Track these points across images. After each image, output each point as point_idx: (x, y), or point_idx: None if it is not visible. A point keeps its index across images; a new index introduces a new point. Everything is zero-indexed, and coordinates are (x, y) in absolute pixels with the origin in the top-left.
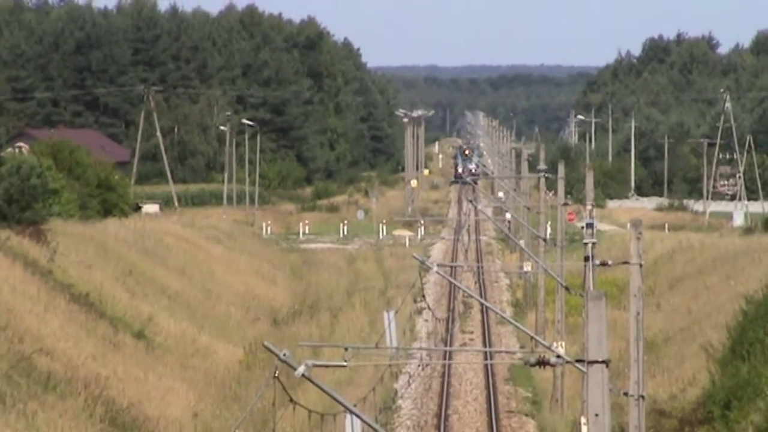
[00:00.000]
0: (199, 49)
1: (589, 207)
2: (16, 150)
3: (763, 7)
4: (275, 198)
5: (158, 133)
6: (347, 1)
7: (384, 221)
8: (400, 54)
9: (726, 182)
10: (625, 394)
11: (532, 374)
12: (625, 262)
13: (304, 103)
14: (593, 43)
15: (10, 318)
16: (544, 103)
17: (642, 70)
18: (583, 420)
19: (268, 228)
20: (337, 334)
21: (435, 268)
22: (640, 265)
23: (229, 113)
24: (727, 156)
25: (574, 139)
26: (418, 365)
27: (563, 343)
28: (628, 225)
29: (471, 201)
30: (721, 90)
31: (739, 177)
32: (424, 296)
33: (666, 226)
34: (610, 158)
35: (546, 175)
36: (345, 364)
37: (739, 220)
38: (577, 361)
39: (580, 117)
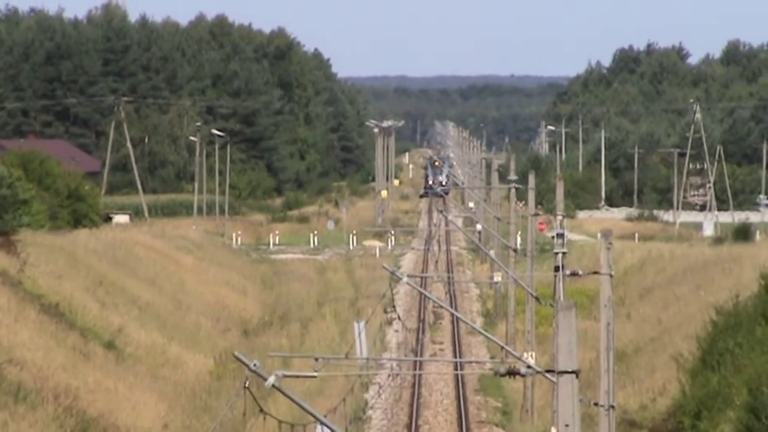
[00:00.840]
0: (169, 60)
1: (559, 217)
2: None
3: (733, 17)
4: (245, 208)
5: (128, 144)
6: (317, 11)
7: (354, 232)
8: (369, 64)
9: (696, 192)
10: (596, 404)
11: (503, 384)
12: (596, 272)
13: (274, 113)
14: (563, 53)
15: None
16: (514, 114)
17: (612, 80)
18: (553, 430)
19: (239, 238)
20: (308, 344)
21: (405, 279)
22: (611, 276)
23: (199, 124)
24: (698, 166)
25: (544, 149)
26: (389, 375)
27: (533, 354)
28: (599, 235)
29: (441, 211)
30: (691, 100)
31: (709, 187)
32: (394, 307)
33: (636, 236)
34: (580, 168)
35: (516, 185)
36: (315, 374)
37: (709, 230)
38: (548, 371)
39: (551, 127)
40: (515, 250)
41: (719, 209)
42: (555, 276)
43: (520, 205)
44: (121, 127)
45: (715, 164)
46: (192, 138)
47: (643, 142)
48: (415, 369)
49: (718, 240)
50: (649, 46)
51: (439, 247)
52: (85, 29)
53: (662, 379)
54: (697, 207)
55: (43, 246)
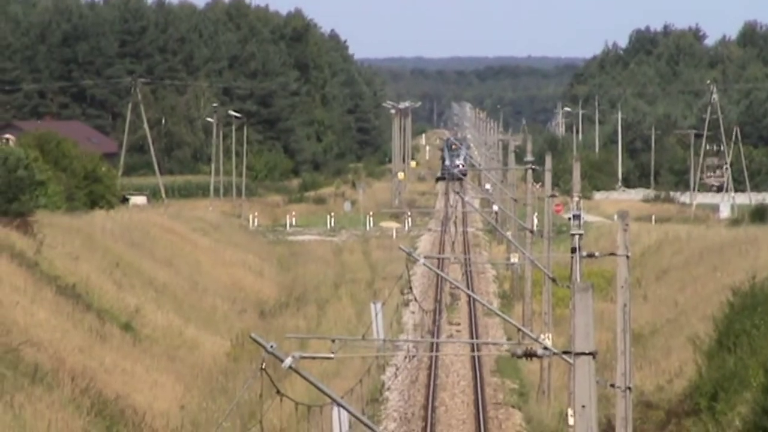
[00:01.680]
0: (186, 41)
1: (576, 198)
2: (3, 142)
3: None
4: (262, 190)
5: (145, 125)
6: None
7: (371, 213)
8: (386, 46)
9: (713, 174)
10: (612, 385)
11: (519, 366)
12: (612, 254)
13: (290, 94)
14: (580, 34)
15: None
16: (531, 95)
17: (629, 61)
18: (570, 411)
19: (255, 220)
20: (324, 326)
21: (422, 260)
22: (627, 257)
23: (215, 105)
24: (714, 147)
25: (561, 130)
26: (405, 357)
27: (550, 335)
28: (615, 216)
29: (458, 193)
30: (708, 81)
31: (726, 168)
32: (411, 288)
33: (653, 217)
34: (597, 150)
35: (533, 166)
36: (332, 355)
37: (725, 212)
38: (564, 352)
39: (567, 109)
40: (532, 232)
41: (736, 190)
42: (572, 257)
43: (537, 186)
44: (138, 108)
45: (732, 145)
46: (209, 119)
47: (660, 123)
48: (432, 350)
49: (734, 221)
50: (665, 27)
51: (456, 228)
52: (102, 10)
53: (679, 360)
54: (714, 188)
55: (60, 227)
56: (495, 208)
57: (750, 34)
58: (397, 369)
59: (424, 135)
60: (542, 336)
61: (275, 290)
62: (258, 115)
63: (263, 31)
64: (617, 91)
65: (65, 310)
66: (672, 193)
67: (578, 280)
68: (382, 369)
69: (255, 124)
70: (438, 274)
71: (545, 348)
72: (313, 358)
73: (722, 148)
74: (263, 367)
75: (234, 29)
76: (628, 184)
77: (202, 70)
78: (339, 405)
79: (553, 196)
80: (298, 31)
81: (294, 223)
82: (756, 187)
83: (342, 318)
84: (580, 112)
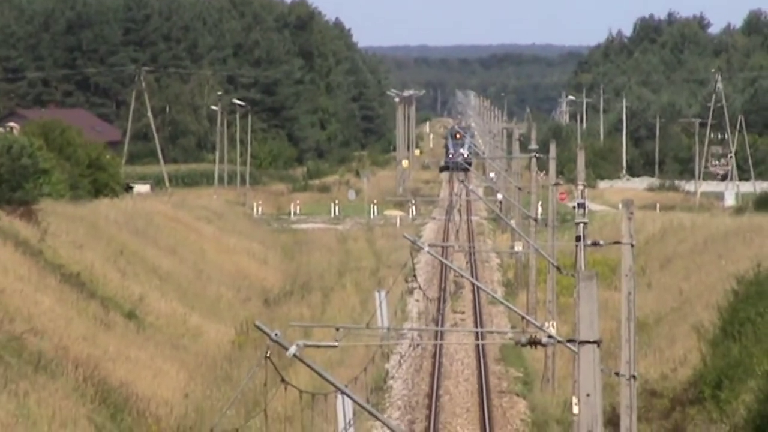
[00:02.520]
0: (190, 29)
1: (580, 187)
2: (7, 130)
3: None
4: (266, 178)
5: (149, 113)
6: None
7: (375, 201)
8: (390, 34)
9: (717, 162)
10: (617, 374)
11: (524, 354)
12: (617, 242)
13: (295, 83)
14: (584, 22)
15: (1, 298)
16: (535, 83)
17: (633, 50)
18: (574, 400)
19: (259, 208)
20: (329, 314)
21: (426, 248)
22: (632, 245)
23: (220, 93)
24: (719, 136)
25: (565, 119)
26: (410, 345)
27: (554, 323)
28: (620, 205)
29: (462, 181)
30: (713, 70)
31: (731, 157)
32: (415, 276)
33: (657, 206)
34: (601, 138)
35: (537, 155)
36: (336, 344)
37: (730, 200)
38: (569, 341)
39: (571, 97)
40: (536, 220)
41: (740, 179)
42: (576, 246)
43: (541, 174)
44: (142, 96)
45: (737, 134)
46: (213, 107)
47: (665, 111)
48: (436, 339)
49: (739, 210)
50: (670, 15)
51: (460, 216)
52: None
53: (683, 348)
54: (719, 177)
55: (64, 215)
56: (499, 196)
57: (755, 23)
58: (402, 357)
59: (428, 123)
60: (546, 324)
61: (279, 278)
62: (262, 104)
63: (267, 19)
64: (621, 80)
65: (69, 299)
66: (676, 182)
67: (583, 268)
68: (386, 357)
69: (259, 113)
70: (442, 263)
71: (549, 336)
72: (318, 346)
73: (727, 136)
74: (268, 355)
75: (238, 17)
76: (632, 172)
77: (206, 58)
78: (343, 393)
79: (557, 184)
80: (302, 19)
81: (298, 211)
82: (760, 176)
83: (346, 306)
84: (585, 100)
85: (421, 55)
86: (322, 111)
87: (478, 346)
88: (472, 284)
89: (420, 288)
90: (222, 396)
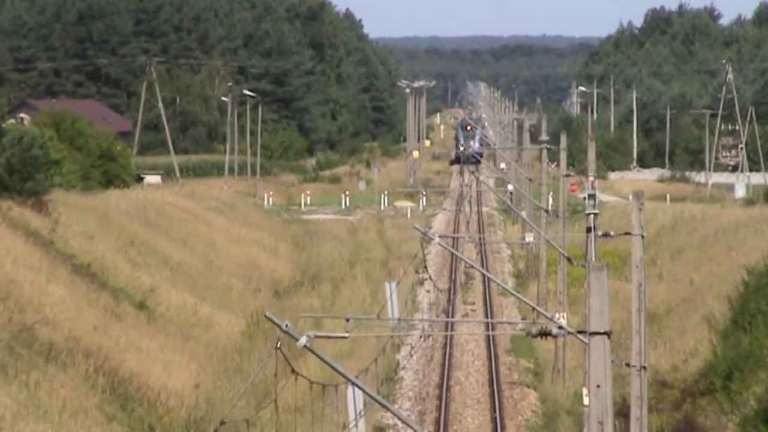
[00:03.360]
0: (201, 20)
1: (591, 178)
2: (18, 120)
3: None
4: (277, 169)
5: (160, 104)
6: None
7: (386, 192)
8: (401, 25)
9: (728, 153)
10: (627, 365)
11: (534, 345)
12: (627, 233)
13: (305, 73)
14: (595, 14)
15: (12, 289)
16: (545, 74)
17: (644, 41)
18: (584, 391)
19: (270, 199)
20: (339, 305)
21: (437, 239)
22: (642, 237)
23: (230, 84)
24: (729, 127)
25: (576, 110)
26: (420, 336)
27: (565, 314)
28: (630, 196)
29: (473, 172)
30: (723, 61)
31: (741, 148)
32: (425, 267)
33: (668, 197)
34: (612, 129)
35: (548, 146)
36: (346, 335)
37: (740, 192)
38: (579, 332)
39: (582, 88)
40: (547, 211)
41: (751, 170)
42: (587, 237)
43: (552, 165)
44: (153, 87)
45: (747, 125)
46: (223, 98)
47: (675, 103)
48: (447, 330)
49: (749, 201)
50: (680, 6)
51: (471, 207)
52: None
53: (694, 340)
54: (729, 168)
55: (75, 206)
56: (510, 187)
57: (765, 14)
58: (412, 348)
59: (438, 114)
60: (557, 315)
61: (290, 269)
62: (273, 94)
63: (278, 10)
64: (632, 71)
65: (80, 289)
66: (687, 173)
67: (593, 259)
68: (396, 348)
69: (270, 103)
70: (453, 254)
71: (560, 327)
72: (328, 337)
73: (737, 127)
74: (278, 346)
75: (249, 8)
76: (643, 163)
77: (216, 49)
78: (354, 384)
79: (568, 175)
80: (313, 10)
81: (309, 202)
82: None
83: (357, 297)
84: (595, 91)
85: (431, 46)
86: (333, 102)
87: (488, 337)
88: (483, 275)
89: (430, 279)
90: (232, 387)
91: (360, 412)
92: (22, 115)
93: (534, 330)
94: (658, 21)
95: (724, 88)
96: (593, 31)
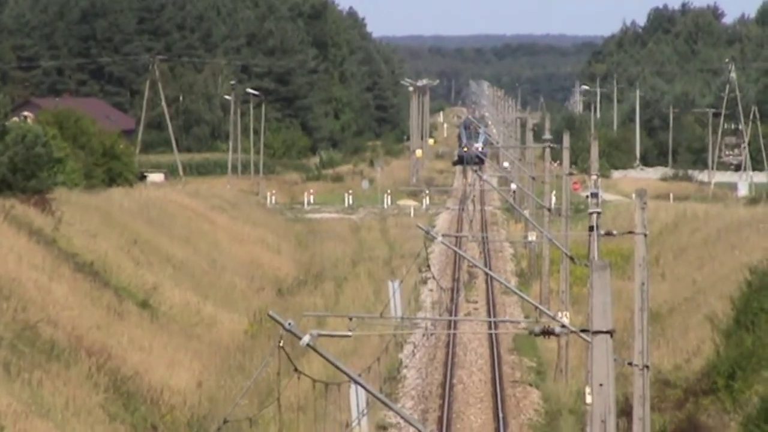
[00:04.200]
0: (204, 19)
1: (594, 177)
2: (21, 119)
3: None
4: (280, 167)
5: (163, 102)
6: None
7: (389, 191)
8: (404, 24)
9: (731, 152)
10: (630, 364)
11: (537, 344)
12: (630, 232)
13: (308, 72)
14: (598, 12)
15: (15, 287)
16: (549, 73)
17: (647, 40)
18: (587, 390)
19: (273, 197)
20: (342, 303)
21: (440, 238)
22: (645, 235)
23: (233, 82)
24: (732, 126)
25: (579, 108)
26: (423, 335)
27: (568, 313)
28: (633, 195)
29: (476, 171)
30: (726, 60)
31: (744, 147)
32: (428, 266)
33: (671, 196)
34: (615, 128)
35: (551, 145)
36: (350, 333)
37: (743, 191)
38: (582, 331)
39: (585, 87)
40: (550, 210)
41: (754, 169)
42: (589, 236)
43: (555, 164)
44: (156, 85)
45: (750, 124)
46: (227, 97)
47: (678, 101)
48: (450, 328)
49: (752, 200)
50: (684, 5)
51: (474, 206)
52: None
53: (696, 339)
54: (732, 167)
55: (78, 204)
56: (513, 186)
57: None
58: (415, 347)
59: (442, 113)
60: (560, 314)
61: (293, 268)
62: (276, 93)
63: (281, 9)
64: (635, 70)
65: (83, 288)
66: (690, 172)
67: (596, 258)
68: (399, 347)
69: (273, 102)
70: (456, 252)
71: (563, 326)
72: (331, 335)
73: (740, 126)
74: (281, 344)
75: (252, 6)
76: (646, 162)
77: (220, 48)
78: (356, 383)
79: (571, 174)
80: (316, 9)
81: (312, 200)
82: None
83: (360, 296)
84: (599, 90)
85: (435, 45)
86: (336, 101)
87: (491, 335)
88: (486, 274)
89: (433, 278)
90: (235, 385)
91: (363, 410)
92: (26, 113)
93: (537, 329)
94: (661, 20)
95: (727, 87)
96: (596, 30)
